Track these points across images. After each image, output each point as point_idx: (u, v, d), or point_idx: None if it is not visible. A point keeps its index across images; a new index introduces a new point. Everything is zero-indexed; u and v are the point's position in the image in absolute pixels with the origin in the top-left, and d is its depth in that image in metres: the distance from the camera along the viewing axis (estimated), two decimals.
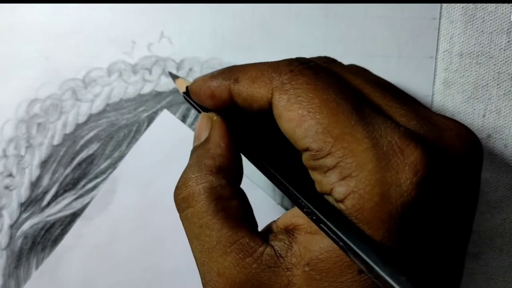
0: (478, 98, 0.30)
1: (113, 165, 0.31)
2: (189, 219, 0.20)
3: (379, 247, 0.17)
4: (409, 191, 0.17)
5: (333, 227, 0.17)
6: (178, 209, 0.21)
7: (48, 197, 0.31)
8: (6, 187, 0.31)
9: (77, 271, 0.31)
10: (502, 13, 0.29)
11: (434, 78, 0.30)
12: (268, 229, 0.21)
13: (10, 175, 0.31)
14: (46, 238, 0.31)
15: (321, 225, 0.18)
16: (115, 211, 0.31)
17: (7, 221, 0.31)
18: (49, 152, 0.31)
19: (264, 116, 0.21)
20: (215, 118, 0.22)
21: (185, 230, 0.21)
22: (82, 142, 0.31)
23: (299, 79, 0.19)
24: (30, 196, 0.31)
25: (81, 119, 0.31)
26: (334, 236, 0.17)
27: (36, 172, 0.31)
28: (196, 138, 0.23)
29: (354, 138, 0.17)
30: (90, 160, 0.31)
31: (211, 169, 0.21)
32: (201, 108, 0.24)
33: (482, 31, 0.30)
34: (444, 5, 0.30)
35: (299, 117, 0.18)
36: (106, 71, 0.31)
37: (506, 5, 0.29)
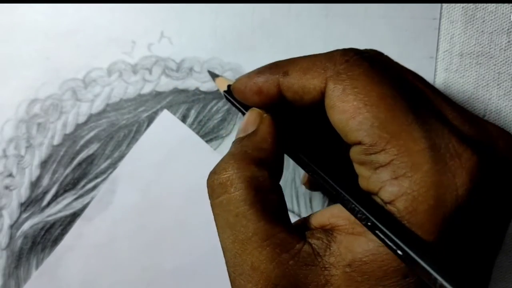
0: (478, 98, 0.30)
1: (113, 165, 0.31)
2: (224, 206, 0.19)
3: (440, 256, 0.16)
4: (464, 196, 0.17)
5: (393, 237, 0.17)
6: (211, 195, 0.20)
7: (48, 197, 0.31)
8: (6, 187, 0.31)
9: (77, 271, 0.31)
10: (502, 13, 0.29)
11: (434, 78, 0.30)
12: (302, 225, 0.21)
13: (10, 175, 0.31)
14: (46, 238, 0.31)
15: (377, 231, 0.17)
16: (115, 211, 0.31)
17: (7, 221, 0.31)
18: (49, 152, 0.31)
19: (312, 110, 0.20)
20: (265, 115, 0.22)
21: (217, 218, 0.20)
22: (82, 142, 0.31)
23: (355, 69, 0.18)
24: (30, 196, 0.31)
25: (81, 119, 0.31)
26: (391, 244, 0.17)
27: (36, 172, 0.31)
28: (242, 130, 0.22)
29: (411, 137, 0.17)
30: (90, 160, 0.31)
31: (254, 160, 0.20)
32: (243, 107, 0.23)
33: (482, 31, 0.30)
34: (444, 5, 0.30)
35: (354, 108, 0.18)
36: (106, 71, 0.31)
37: (506, 5, 0.29)
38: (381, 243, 0.17)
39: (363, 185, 0.19)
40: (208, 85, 0.31)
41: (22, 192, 0.31)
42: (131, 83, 0.31)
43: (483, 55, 0.30)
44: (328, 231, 0.19)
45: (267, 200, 0.19)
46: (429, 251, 0.16)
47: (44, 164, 0.31)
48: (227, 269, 0.20)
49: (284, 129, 0.22)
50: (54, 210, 0.31)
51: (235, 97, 0.23)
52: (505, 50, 0.30)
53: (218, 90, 0.31)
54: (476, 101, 0.30)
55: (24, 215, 0.31)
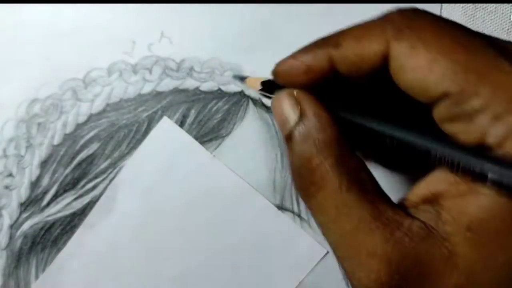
0: None
1: (113, 165, 0.31)
2: (322, 203, 0.18)
3: None
4: None
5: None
6: (306, 198, 0.19)
7: (48, 197, 0.31)
8: (6, 187, 0.31)
9: (79, 279, 0.31)
10: (502, 13, 0.29)
11: None
12: (401, 205, 0.19)
13: (10, 175, 0.31)
14: (46, 238, 0.31)
15: (490, 178, 0.15)
16: (116, 219, 0.31)
17: (7, 221, 0.31)
18: (49, 152, 0.31)
19: (369, 81, 0.19)
20: (295, 92, 0.19)
21: (318, 219, 0.19)
22: (82, 142, 0.31)
23: (418, 21, 0.17)
24: (30, 196, 0.31)
25: (81, 119, 0.31)
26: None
27: (36, 172, 0.31)
28: (284, 122, 0.19)
29: (501, 71, 0.15)
30: (90, 160, 0.31)
31: (327, 143, 0.18)
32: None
33: (482, 31, 0.30)
34: (444, 5, 0.30)
35: (429, 61, 0.16)
36: (106, 71, 0.31)
37: (506, 5, 0.29)
38: (494, 195, 0.16)
39: (463, 143, 0.17)
40: (208, 85, 0.31)
41: (22, 192, 0.31)
42: (131, 83, 0.31)
43: None
44: (432, 202, 0.17)
45: (360, 179, 0.18)
46: None
47: (44, 164, 0.31)
48: (342, 266, 0.18)
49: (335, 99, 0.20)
50: (54, 210, 0.31)
51: (278, 82, 0.21)
52: None
53: (218, 89, 0.31)
54: None
55: (24, 215, 0.31)
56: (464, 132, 0.16)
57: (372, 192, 0.18)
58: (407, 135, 0.18)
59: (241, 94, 0.31)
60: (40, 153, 0.31)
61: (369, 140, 0.19)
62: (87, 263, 0.31)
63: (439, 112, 0.17)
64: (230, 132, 0.31)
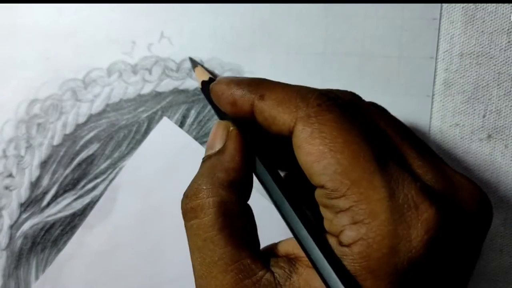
0: (478, 99, 0.30)
1: (113, 165, 0.31)
2: (194, 230, 0.20)
3: None
4: (418, 248, 0.17)
5: (326, 277, 0.17)
6: (184, 217, 0.21)
7: (48, 197, 0.31)
8: (6, 188, 0.31)
9: (79, 279, 0.31)
10: (502, 13, 0.29)
11: (434, 78, 0.30)
12: (269, 250, 0.21)
13: (10, 175, 0.31)
14: (46, 238, 0.31)
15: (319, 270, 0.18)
16: (116, 219, 0.31)
17: (7, 221, 0.31)
18: (49, 152, 0.31)
19: (279, 140, 0.20)
20: (231, 128, 0.22)
21: (188, 239, 0.21)
22: (82, 142, 0.31)
23: (325, 115, 0.19)
24: (30, 196, 0.31)
25: (81, 119, 0.31)
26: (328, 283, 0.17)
27: (36, 173, 0.31)
28: (209, 146, 0.22)
29: (371, 185, 0.17)
30: (90, 160, 0.31)
31: (223, 183, 0.20)
32: (216, 109, 0.23)
33: (482, 31, 0.30)
34: (445, 5, 0.30)
35: (319, 153, 0.18)
36: (106, 71, 0.31)
37: (506, 5, 0.29)
38: None
39: (326, 226, 0.19)
40: None
41: (22, 192, 0.31)
42: (131, 83, 0.31)
43: (483, 55, 0.30)
44: (291, 260, 0.20)
45: (235, 225, 0.20)
46: None
47: (44, 165, 0.31)
48: (195, 286, 0.21)
49: (253, 145, 0.22)
50: (54, 211, 0.31)
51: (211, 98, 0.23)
52: (505, 50, 0.30)
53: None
54: (476, 101, 0.30)
55: (24, 216, 0.31)
56: (330, 221, 0.19)
57: (241, 239, 0.20)
58: (283, 207, 0.20)
59: None
60: (40, 154, 0.31)
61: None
62: (87, 263, 0.31)
63: (317, 196, 0.19)
64: None
